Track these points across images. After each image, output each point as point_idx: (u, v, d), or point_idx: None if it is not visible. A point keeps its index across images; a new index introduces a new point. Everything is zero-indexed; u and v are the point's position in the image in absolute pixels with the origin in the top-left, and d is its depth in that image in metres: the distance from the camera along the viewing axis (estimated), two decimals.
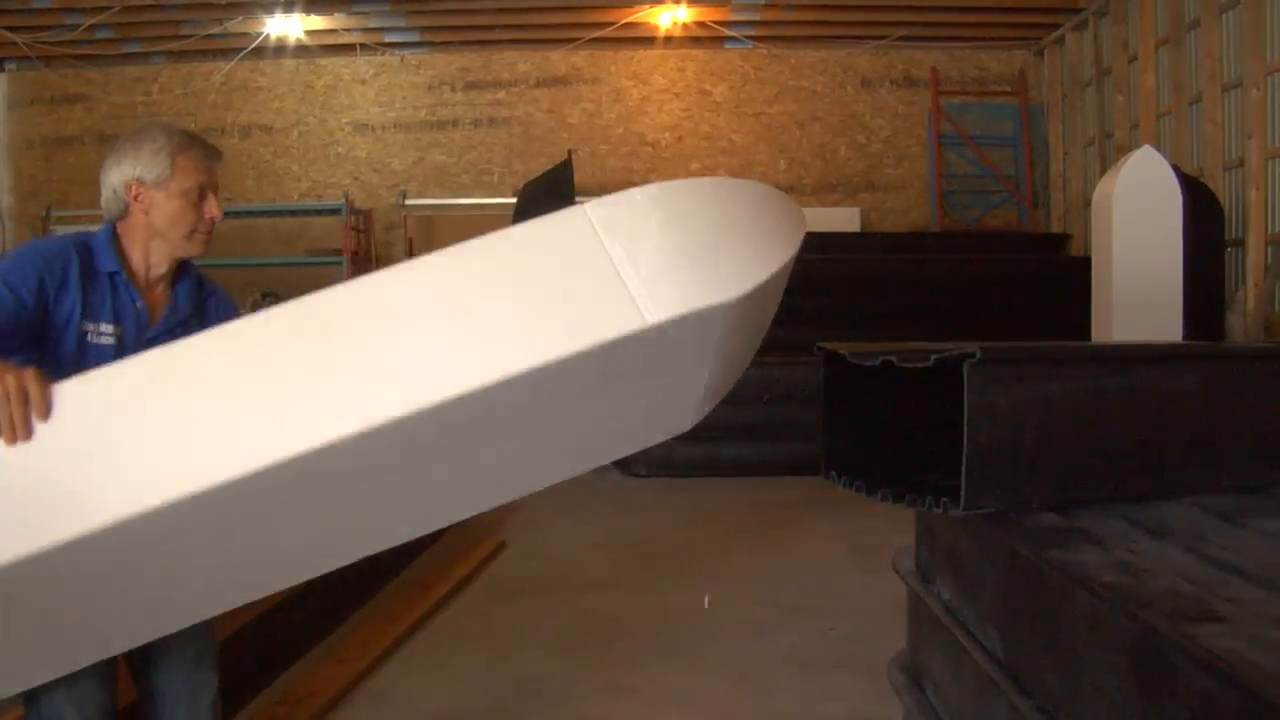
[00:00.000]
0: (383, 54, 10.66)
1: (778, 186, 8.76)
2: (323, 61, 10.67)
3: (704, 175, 10.53)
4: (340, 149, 10.81)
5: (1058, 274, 9.07)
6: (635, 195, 1.54)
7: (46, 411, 1.45)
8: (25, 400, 1.43)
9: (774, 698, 3.54)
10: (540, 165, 9.66)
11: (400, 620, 4.27)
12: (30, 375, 1.46)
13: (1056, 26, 10.00)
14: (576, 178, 8.95)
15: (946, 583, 2.21)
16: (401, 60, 10.73)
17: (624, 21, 9.86)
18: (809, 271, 9.93)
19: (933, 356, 1.81)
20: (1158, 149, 6.06)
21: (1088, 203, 7.81)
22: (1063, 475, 1.88)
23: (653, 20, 9.89)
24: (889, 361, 1.91)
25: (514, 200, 9.06)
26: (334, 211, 10.28)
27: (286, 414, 1.43)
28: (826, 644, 4.01)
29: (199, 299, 2.16)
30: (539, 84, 10.74)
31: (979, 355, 1.72)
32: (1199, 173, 7.41)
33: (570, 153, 9.37)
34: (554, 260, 1.50)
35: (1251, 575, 1.46)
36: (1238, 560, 1.54)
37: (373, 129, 10.75)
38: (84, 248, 2.00)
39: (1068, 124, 10.13)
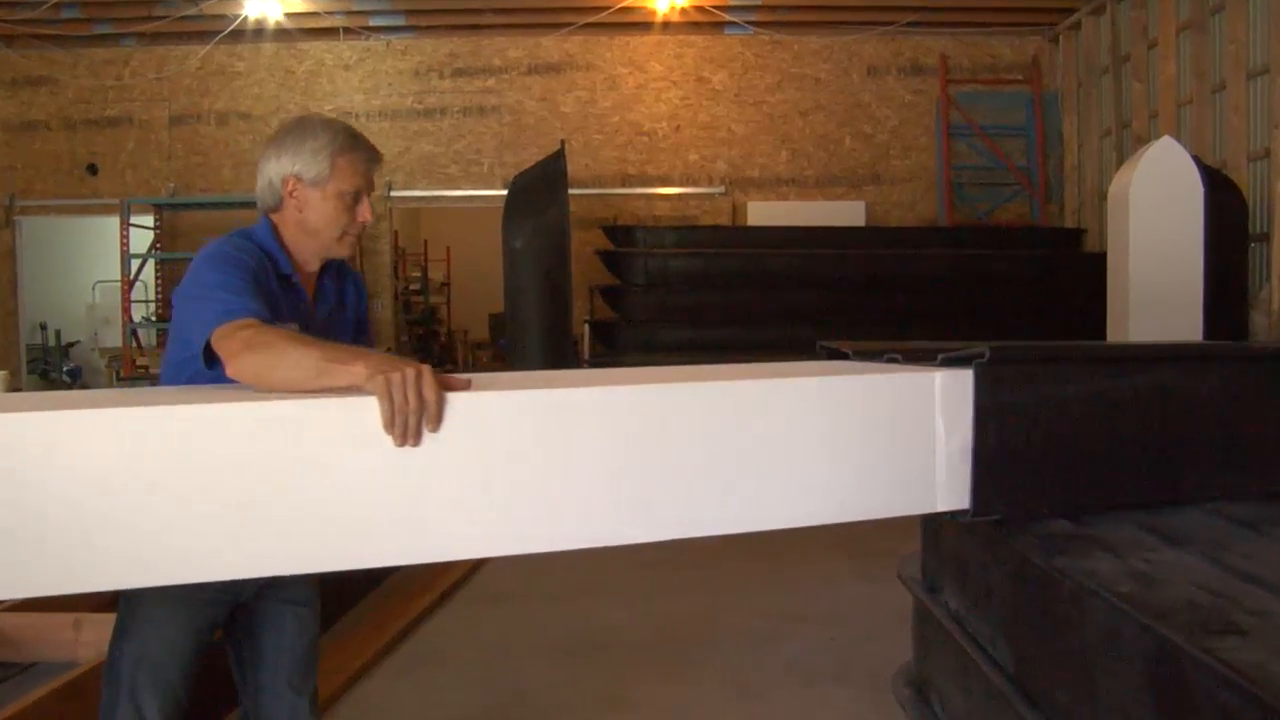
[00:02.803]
0: (367, 38, 10.49)
1: (779, 179, 8.49)
2: (304, 46, 10.50)
3: (701, 166, 10.40)
4: None
5: (1071, 271, 9.09)
6: (968, 376, 1.72)
7: (438, 423, 1.47)
8: (421, 408, 1.45)
9: (774, 710, 3.52)
10: (532, 156, 9.52)
11: (388, 627, 4.26)
12: (428, 381, 1.46)
13: (1072, 11, 9.88)
14: (570, 169, 8.83)
15: (954, 592, 2.22)
16: (386, 45, 10.56)
17: (620, 6, 9.69)
18: (811, 266, 9.97)
19: (940, 356, 1.79)
20: (1178, 139, 6.00)
21: (1103, 196, 7.87)
22: (1076, 480, 1.87)
23: (650, 4, 9.73)
24: (894, 361, 1.92)
25: (504, 192, 8.92)
26: None
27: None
28: (827, 654, 4.00)
29: (339, 286, 2.21)
30: (531, 71, 10.58)
31: (988, 355, 1.71)
32: (1222, 164, 7.37)
33: (563, 143, 9.19)
34: (890, 419, 1.69)
35: (1275, 586, 1.43)
36: (1260, 570, 1.51)
37: (356, 117, 10.52)
38: (261, 250, 2.02)
39: (1083, 113, 10.02)
